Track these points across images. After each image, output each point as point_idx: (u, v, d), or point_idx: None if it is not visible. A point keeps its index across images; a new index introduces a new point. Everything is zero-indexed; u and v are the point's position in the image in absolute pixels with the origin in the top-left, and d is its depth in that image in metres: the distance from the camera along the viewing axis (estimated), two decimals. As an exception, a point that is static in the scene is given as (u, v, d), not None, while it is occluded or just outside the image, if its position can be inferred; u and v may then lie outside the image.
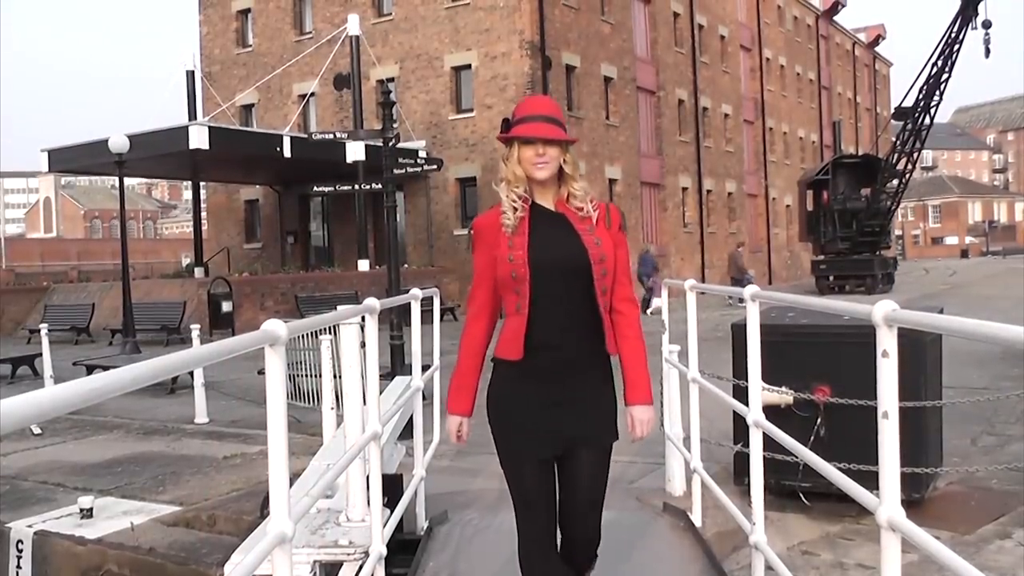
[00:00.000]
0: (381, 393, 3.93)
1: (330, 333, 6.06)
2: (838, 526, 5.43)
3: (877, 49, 65.71)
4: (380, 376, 3.79)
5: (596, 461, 2.98)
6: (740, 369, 5.14)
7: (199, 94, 31.69)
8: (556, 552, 3.03)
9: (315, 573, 4.01)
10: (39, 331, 13.23)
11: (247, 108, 33.02)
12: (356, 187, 23.94)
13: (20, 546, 6.25)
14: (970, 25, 27.00)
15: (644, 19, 34.65)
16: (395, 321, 12.40)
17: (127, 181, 20.94)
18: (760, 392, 3.63)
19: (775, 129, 46.75)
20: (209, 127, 24.43)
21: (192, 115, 30.34)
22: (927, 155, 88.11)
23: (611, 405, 2.98)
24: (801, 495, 5.62)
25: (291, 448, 2.11)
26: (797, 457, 3.11)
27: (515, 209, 2.93)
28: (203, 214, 34.20)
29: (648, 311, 21.75)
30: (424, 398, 5.19)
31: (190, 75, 31.15)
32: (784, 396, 5.41)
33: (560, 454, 2.93)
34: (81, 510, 6.55)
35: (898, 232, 68.33)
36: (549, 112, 2.99)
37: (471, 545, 4.63)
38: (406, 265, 25.57)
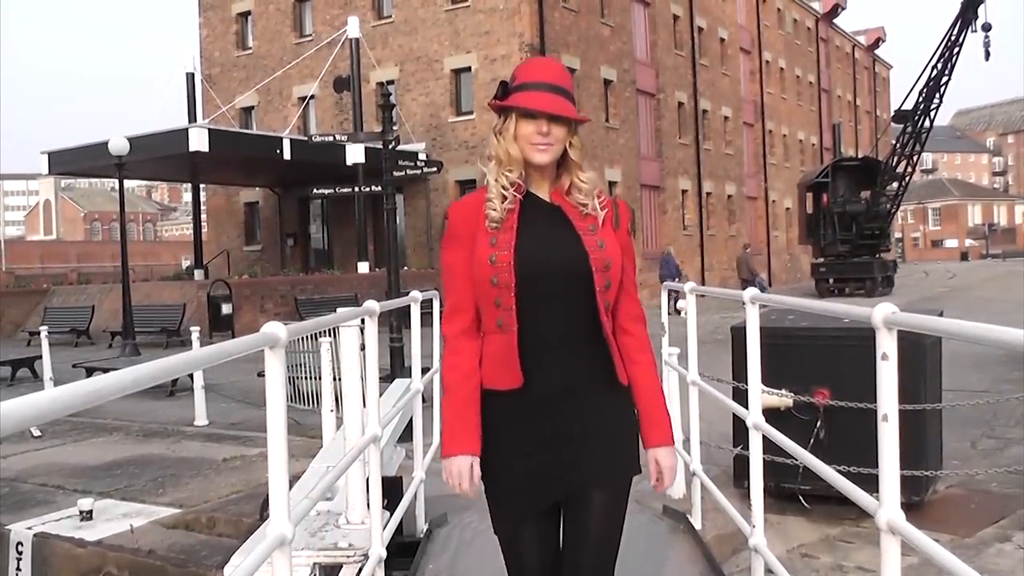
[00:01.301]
0: (381, 395, 3.93)
1: (330, 335, 6.07)
2: (838, 529, 5.43)
3: (877, 52, 65.77)
4: (380, 378, 3.79)
5: (611, 507, 2.41)
6: (740, 372, 5.15)
7: (199, 96, 31.71)
8: None
9: (315, 575, 4.01)
10: (39, 333, 13.24)
11: (247, 110, 33.04)
12: (356, 189, 24.04)
13: (20, 548, 6.25)
14: (970, 28, 27.05)
15: (644, 22, 34.69)
16: (395, 323, 12.41)
17: (127, 183, 20.94)
18: (760, 395, 3.62)
19: (775, 132, 46.78)
20: (209, 129, 24.45)
21: (192, 117, 30.36)
22: (927, 158, 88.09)
23: (629, 433, 2.44)
24: (801, 498, 5.62)
25: (291, 450, 2.11)
26: (797, 460, 3.11)
27: (504, 199, 2.37)
28: (203, 216, 34.21)
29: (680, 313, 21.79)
30: (424, 400, 5.20)
31: (190, 77, 31.18)
32: (784, 399, 5.41)
33: (566, 498, 2.40)
34: (81, 512, 6.56)
35: (898, 235, 68.36)
36: (558, 80, 2.41)
37: (470, 547, 4.63)
38: (406, 267, 25.59)
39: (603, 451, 2.36)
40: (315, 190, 25.62)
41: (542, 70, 2.44)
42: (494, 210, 2.36)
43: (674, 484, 5.64)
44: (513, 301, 2.32)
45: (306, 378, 10.30)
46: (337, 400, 4.96)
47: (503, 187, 2.38)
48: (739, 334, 5.20)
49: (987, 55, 27.30)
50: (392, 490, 4.54)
